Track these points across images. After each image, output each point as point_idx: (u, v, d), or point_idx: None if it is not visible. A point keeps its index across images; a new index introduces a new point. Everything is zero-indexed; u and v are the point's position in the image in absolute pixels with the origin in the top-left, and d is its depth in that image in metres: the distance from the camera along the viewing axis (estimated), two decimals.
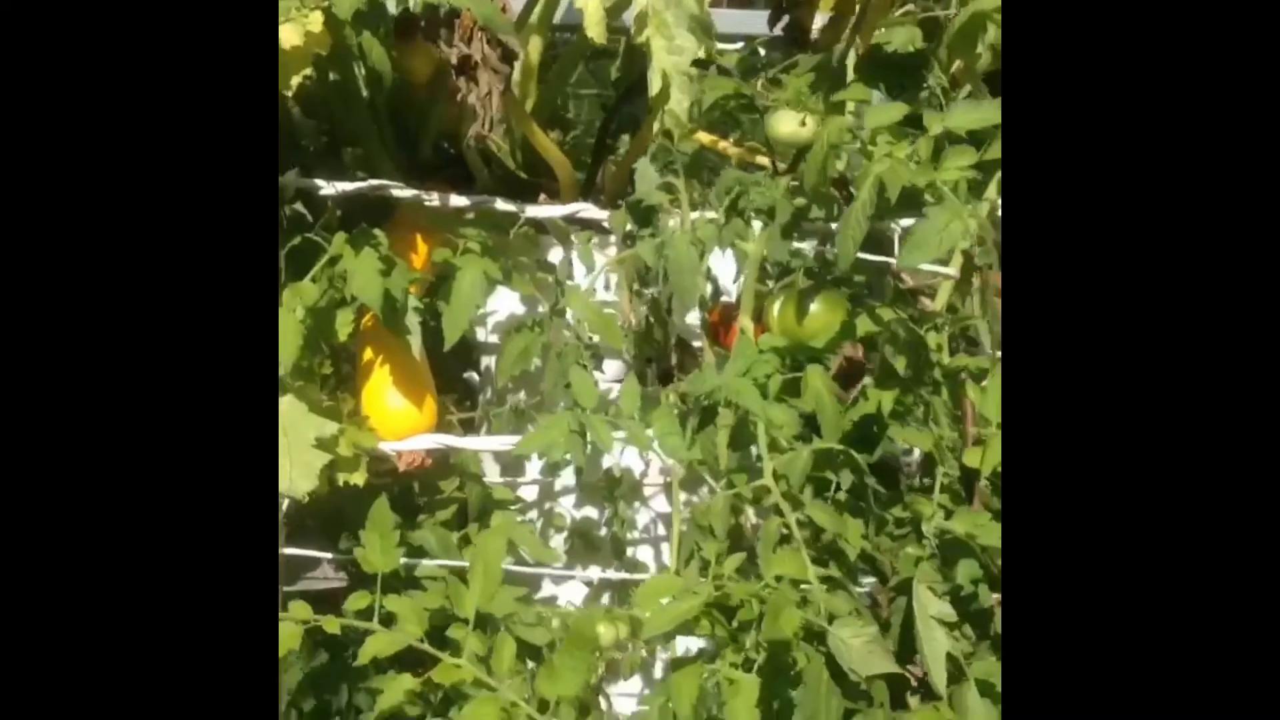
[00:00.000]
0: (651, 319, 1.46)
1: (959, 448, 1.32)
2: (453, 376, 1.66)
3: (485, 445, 1.44)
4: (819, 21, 1.51)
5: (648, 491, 1.58)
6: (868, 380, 1.28)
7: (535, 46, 1.56)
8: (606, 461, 1.53)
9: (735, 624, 1.22)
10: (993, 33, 1.37)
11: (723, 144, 1.60)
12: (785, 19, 1.53)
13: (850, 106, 1.37)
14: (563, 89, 1.61)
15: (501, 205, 1.44)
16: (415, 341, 1.41)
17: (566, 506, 1.59)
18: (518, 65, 1.49)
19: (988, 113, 1.21)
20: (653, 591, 1.20)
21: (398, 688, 1.22)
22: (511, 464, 1.60)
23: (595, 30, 1.32)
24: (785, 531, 1.21)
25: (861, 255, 1.40)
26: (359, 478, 1.35)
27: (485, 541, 1.28)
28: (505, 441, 1.41)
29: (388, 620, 1.28)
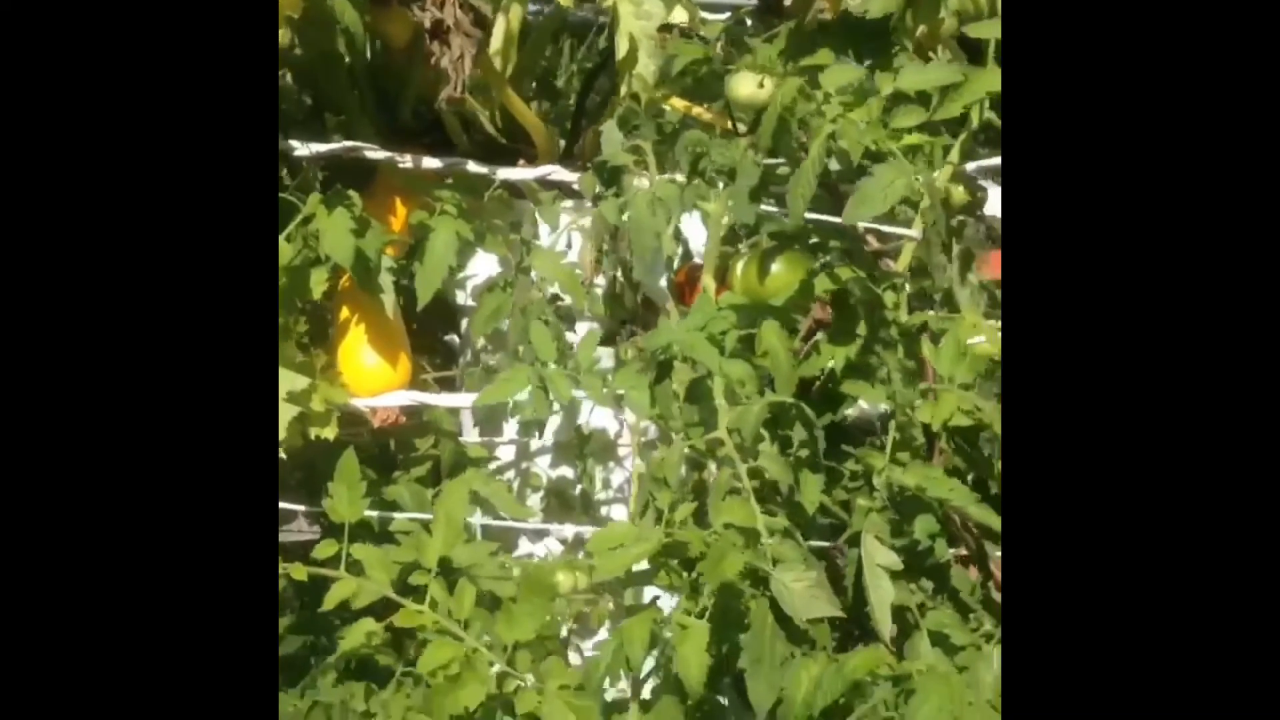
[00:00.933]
0: (621, 280, 1.51)
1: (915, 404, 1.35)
2: (434, 338, 1.71)
3: (451, 401, 1.50)
4: None
5: (622, 451, 1.63)
6: (820, 336, 1.32)
7: (515, 14, 1.60)
8: (582, 422, 1.58)
9: (693, 574, 1.27)
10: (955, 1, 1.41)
11: (697, 109, 1.64)
12: None
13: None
14: (539, 55, 1.65)
15: (473, 168, 1.49)
16: (389, 300, 1.46)
17: (543, 466, 1.64)
18: (499, 31, 1.54)
19: (938, 74, 1.25)
20: (606, 540, 1.25)
21: (359, 631, 1.28)
22: (490, 424, 1.66)
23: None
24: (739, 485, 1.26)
25: (832, 218, 1.45)
26: (330, 432, 1.41)
27: (449, 492, 1.33)
28: (471, 398, 1.46)
29: (358, 571, 1.33)
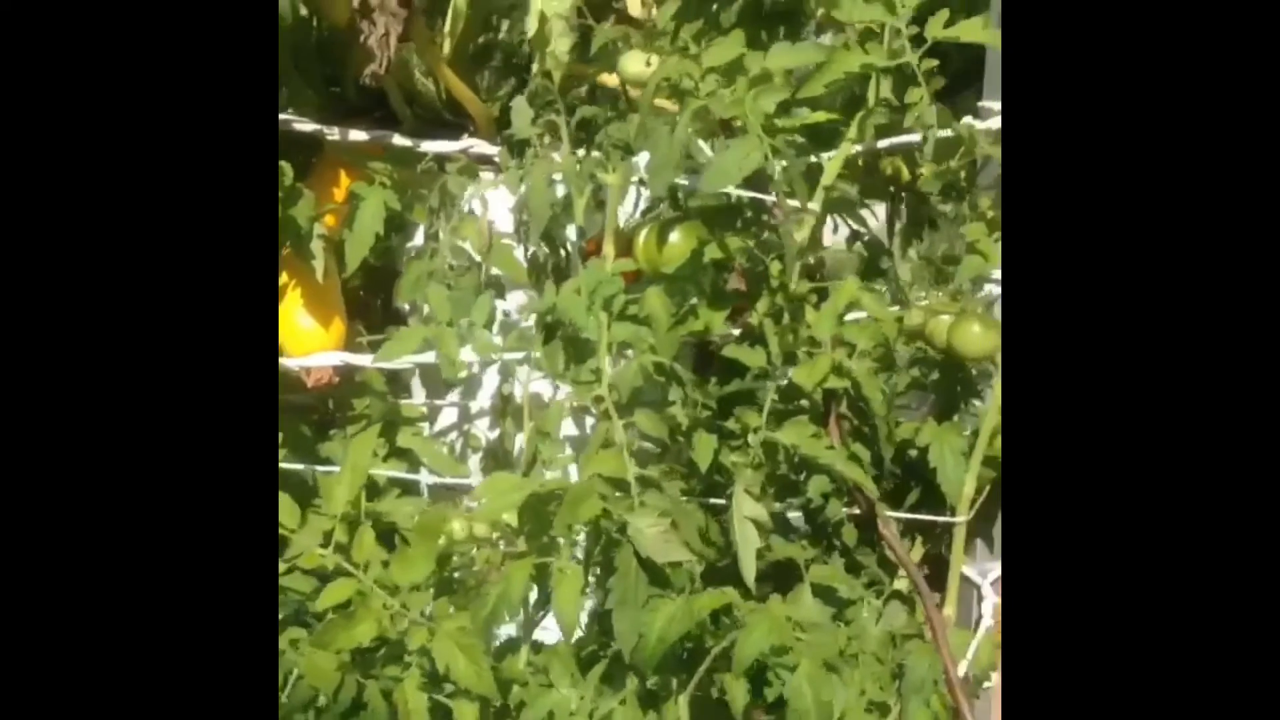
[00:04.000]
0: (545, 247, 1.66)
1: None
2: (384, 307, 1.87)
3: (369, 362, 1.64)
4: None
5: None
6: (695, 300, 1.46)
7: None
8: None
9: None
10: None
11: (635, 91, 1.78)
12: None
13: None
14: (474, 33, 1.79)
15: (399, 141, 1.63)
16: (319, 266, 1.62)
17: (482, 428, 1.79)
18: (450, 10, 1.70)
19: (804, 54, 1.38)
20: (490, 488, 1.40)
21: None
22: (434, 387, 1.82)
23: None
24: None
25: (742, 191, 1.58)
26: None
27: (356, 444, 1.48)
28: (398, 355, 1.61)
29: None
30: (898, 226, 1.96)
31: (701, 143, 1.51)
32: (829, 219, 1.89)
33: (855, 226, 1.84)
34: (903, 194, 1.98)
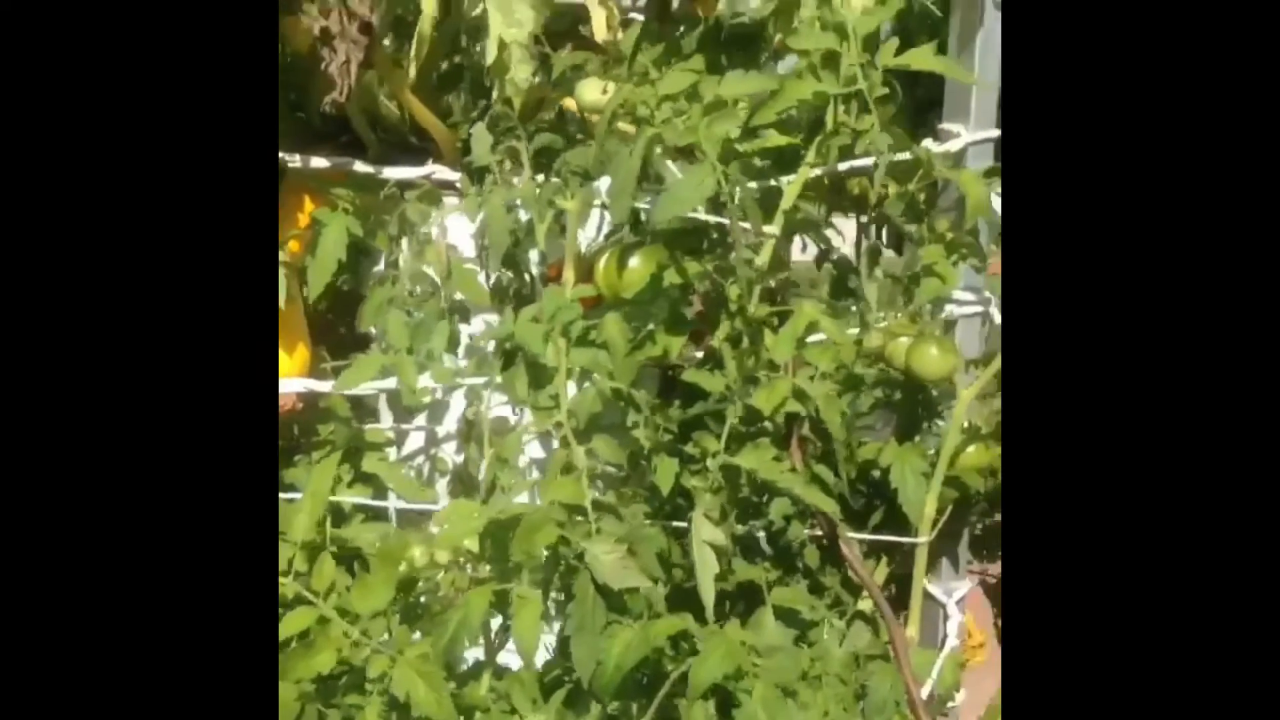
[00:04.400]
0: (509, 273, 1.67)
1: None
2: (350, 332, 1.89)
3: (329, 388, 1.65)
4: None
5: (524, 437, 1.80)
6: (653, 327, 1.47)
7: (428, 21, 1.78)
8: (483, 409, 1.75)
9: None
10: (806, 10, 1.54)
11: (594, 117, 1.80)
12: None
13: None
14: (437, 59, 1.81)
15: (360, 167, 1.65)
16: (282, 292, 1.63)
17: (449, 452, 1.81)
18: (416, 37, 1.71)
19: (757, 82, 1.40)
20: (448, 515, 1.41)
21: None
22: (401, 412, 1.83)
23: (428, 6, 1.53)
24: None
25: (703, 216, 1.60)
26: None
27: (317, 471, 1.49)
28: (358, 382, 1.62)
29: None
30: (865, 246, 1.97)
31: (670, 164, 1.53)
32: (798, 238, 1.91)
33: (822, 246, 1.86)
34: (870, 214, 2.00)
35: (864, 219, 2.02)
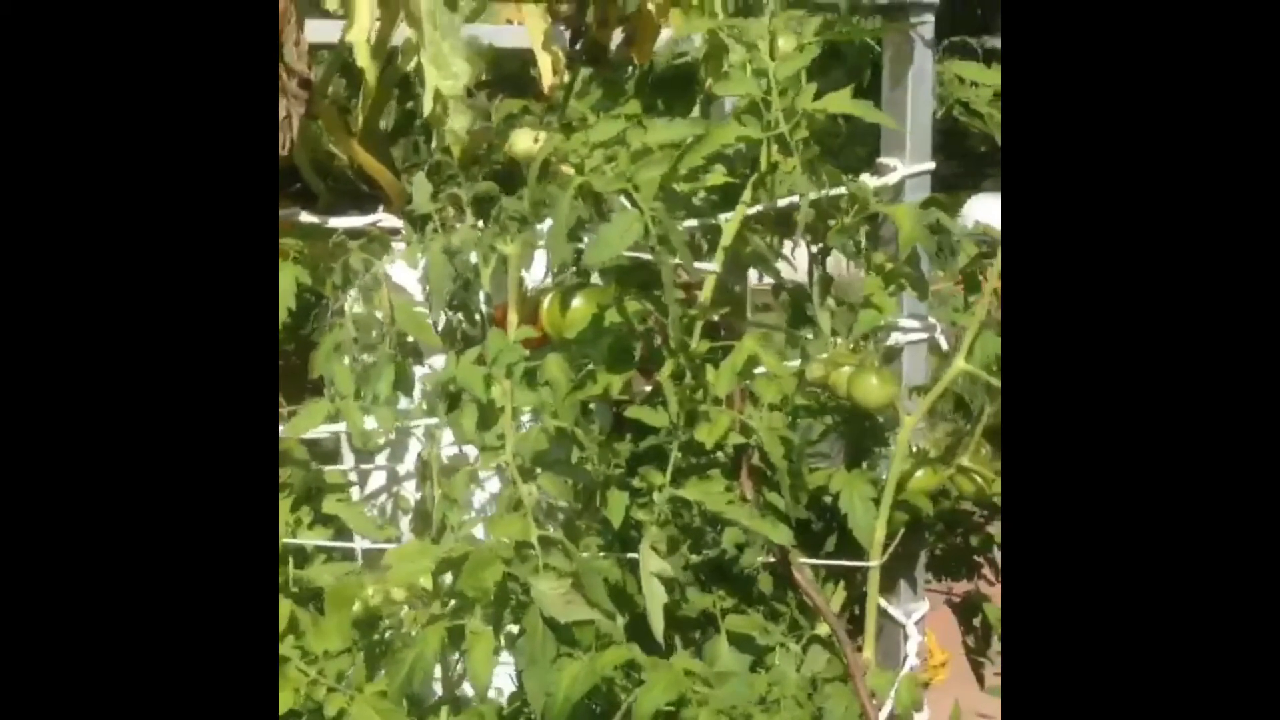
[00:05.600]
0: (459, 316, 1.75)
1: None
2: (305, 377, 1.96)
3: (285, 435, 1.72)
4: (617, 40, 1.79)
5: (482, 475, 1.87)
6: (592, 366, 1.55)
7: (371, 73, 1.86)
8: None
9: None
10: (735, 55, 1.62)
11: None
12: (582, 40, 1.81)
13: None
14: (381, 109, 1.89)
15: (305, 217, 1.72)
16: None
17: (411, 490, 1.88)
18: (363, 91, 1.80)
19: (682, 129, 1.48)
20: (401, 555, 1.49)
21: None
22: (363, 453, 1.90)
23: (365, 62, 1.61)
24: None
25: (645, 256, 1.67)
26: None
27: None
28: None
29: None
30: (816, 275, 2.05)
31: (624, 200, 1.60)
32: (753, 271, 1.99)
33: (774, 279, 1.93)
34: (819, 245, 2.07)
35: (814, 249, 2.09)
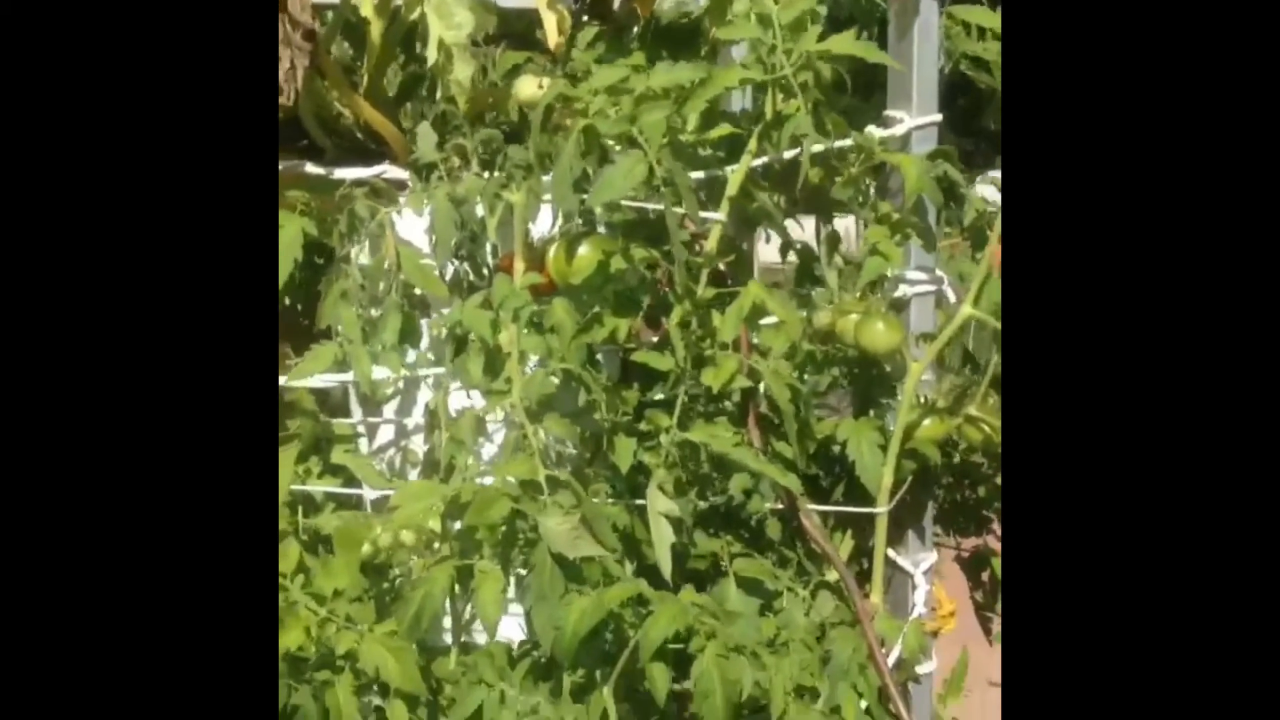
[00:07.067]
0: (466, 266, 1.80)
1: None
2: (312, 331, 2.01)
3: (294, 383, 1.77)
4: None
5: (490, 427, 1.92)
6: (599, 307, 1.60)
7: (376, 28, 1.91)
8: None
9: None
10: (740, 5, 1.67)
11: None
12: None
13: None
14: (388, 63, 1.94)
15: (310, 169, 1.78)
16: None
17: (419, 443, 1.93)
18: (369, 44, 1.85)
19: (684, 72, 1.52)
20: (402, 495, 1.54)
21: None
22: (370, 405, 1.96)
23: (369, 13, 1.66)
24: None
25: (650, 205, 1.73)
26: None
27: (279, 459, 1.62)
28: (320, 379, 1.75)
29: None
30: (823, 234, 2.10)
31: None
32: (766, 237, 2.05)
33: (783, 237, 1.98)
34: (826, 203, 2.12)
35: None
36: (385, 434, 1.96)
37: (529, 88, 1.60)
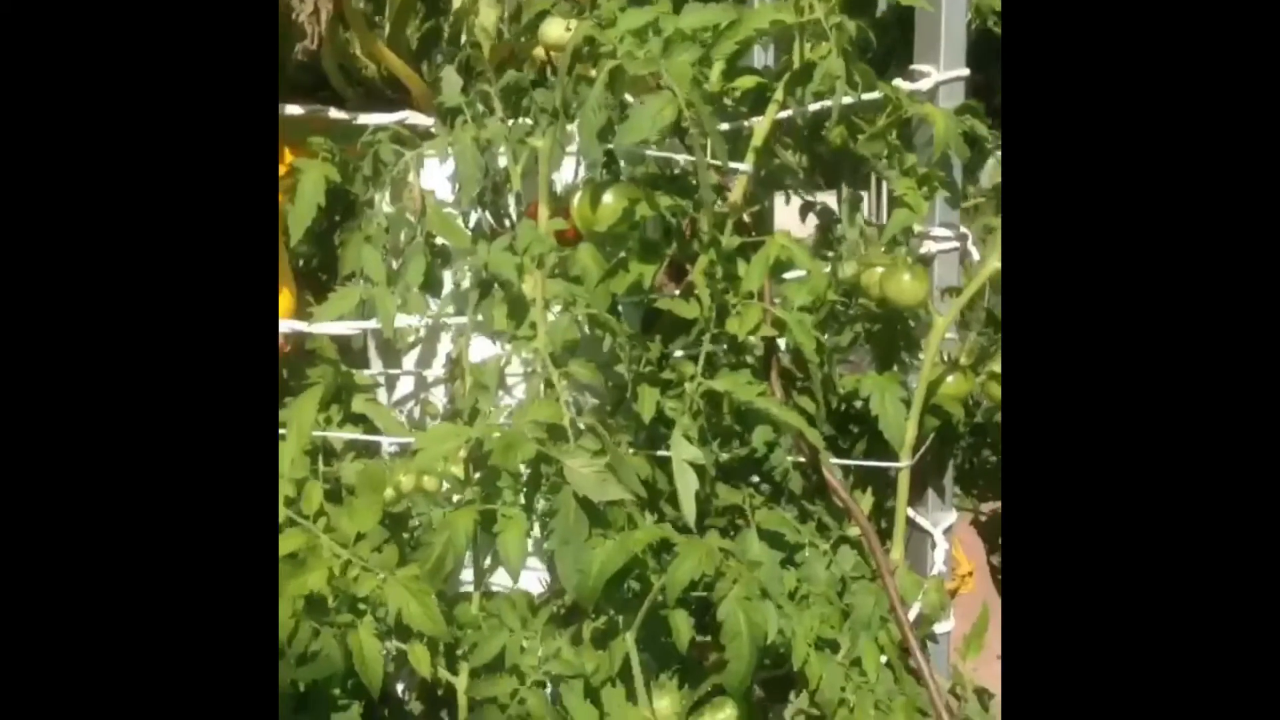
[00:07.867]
0: (489, 215, 1.81)
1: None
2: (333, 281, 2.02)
3: (316, 329, 1.77)
4: None
5: (510, 380, 1.93)
6: (625, 254, 1.61)
7: None
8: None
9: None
10: None
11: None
12: None
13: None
14: (411, 10, 1.95)
15: (335, 114, 1.78)
16: None
17: (439, 396, 1.94)
18: None
19: (714, 14, 1.53)
20: (426, 438, 1.55)
21: None
22: (389, 355, 1.97)
23: None
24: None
25: (675, 155, 1.74)
26: None
27: (298, 405, 1.63)
28: (342, 326, 1.75)
29: None
30: (845, 194, 2.11)
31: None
32: (787, 201, 2.05)
33: (806, 198, 1.99)
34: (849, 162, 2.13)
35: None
36: (405, 386, 1.97)
37: (556, 30, 1.61)
